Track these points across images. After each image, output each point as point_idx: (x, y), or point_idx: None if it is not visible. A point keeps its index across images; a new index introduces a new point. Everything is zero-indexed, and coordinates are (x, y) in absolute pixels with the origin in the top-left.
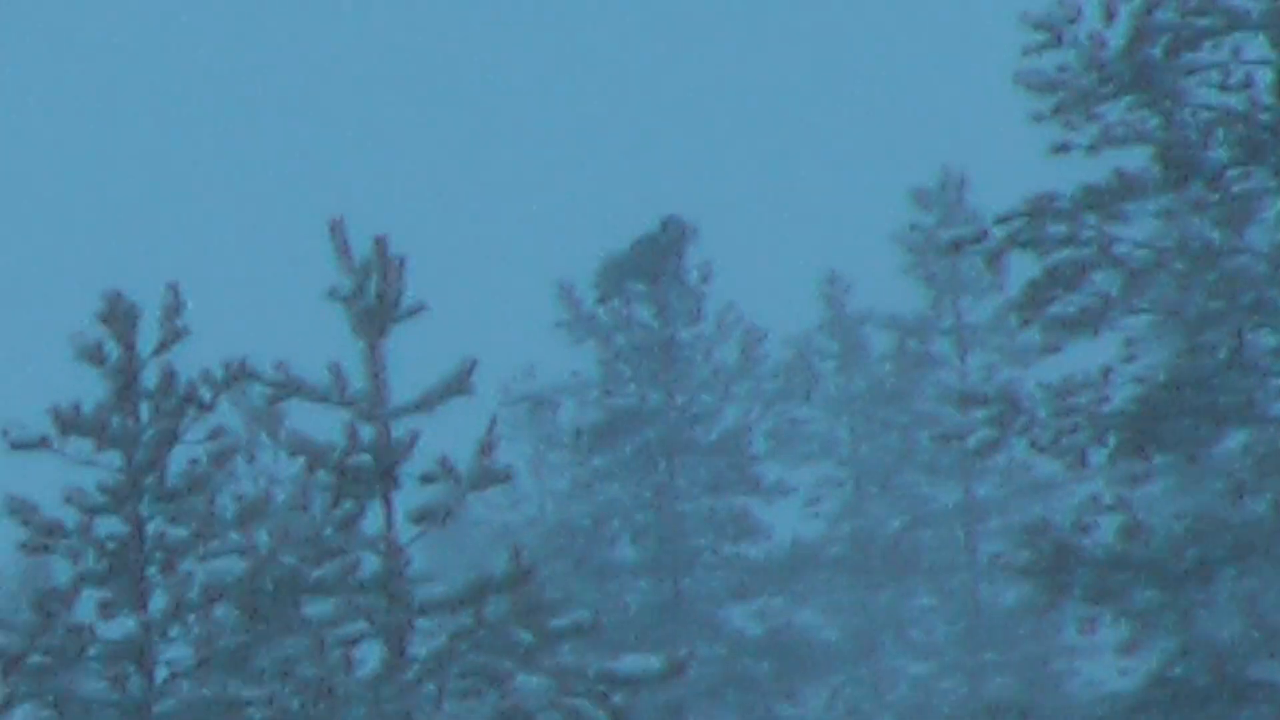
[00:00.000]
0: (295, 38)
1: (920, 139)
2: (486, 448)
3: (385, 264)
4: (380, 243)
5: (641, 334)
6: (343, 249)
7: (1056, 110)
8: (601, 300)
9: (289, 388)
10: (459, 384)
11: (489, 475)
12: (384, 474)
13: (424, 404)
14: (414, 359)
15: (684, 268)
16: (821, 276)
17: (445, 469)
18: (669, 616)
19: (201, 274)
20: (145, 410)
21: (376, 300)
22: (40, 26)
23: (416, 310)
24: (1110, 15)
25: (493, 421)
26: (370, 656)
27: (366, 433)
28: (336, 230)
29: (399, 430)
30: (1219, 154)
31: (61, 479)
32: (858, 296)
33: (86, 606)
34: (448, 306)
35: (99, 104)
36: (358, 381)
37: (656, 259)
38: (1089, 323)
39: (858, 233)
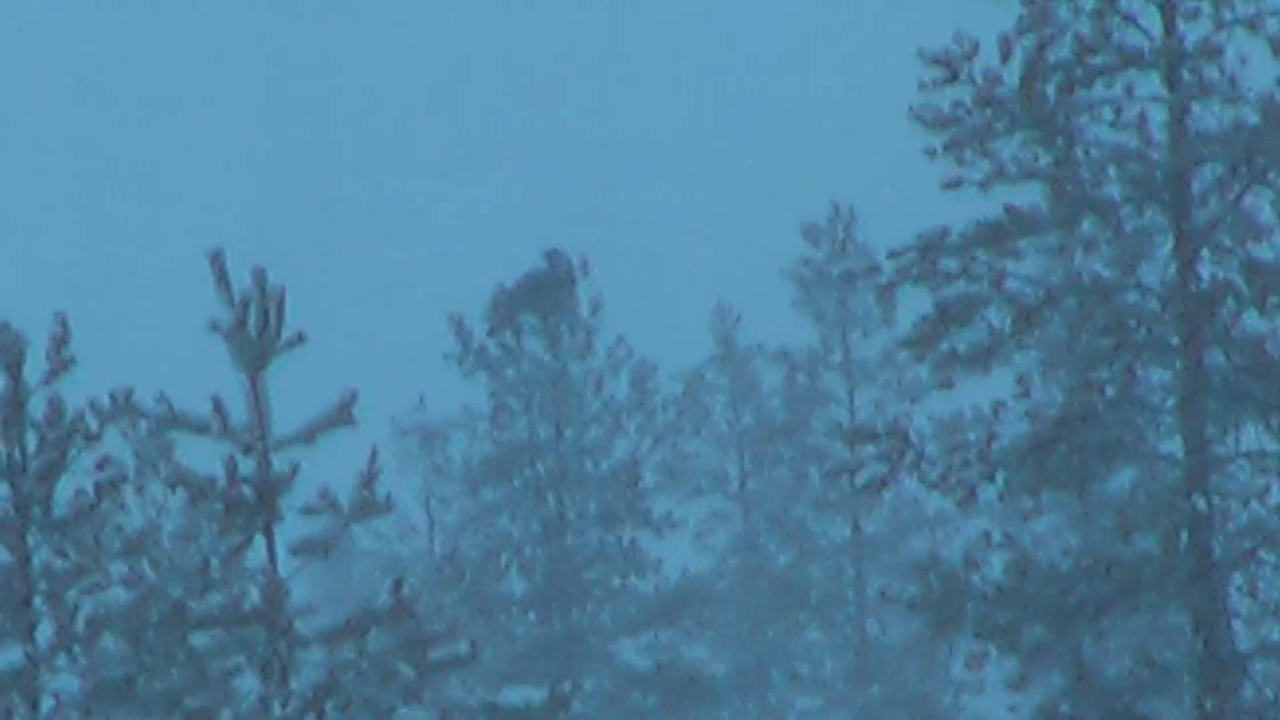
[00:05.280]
0: (179, 67)
1: (811, 173)
2: (368, 479)
3: (265, 296)
4: (259, 275)
5: (532, 367)
6: (222, 281)
7: (950, 146)
8: (492, 333)
9: (170, 420)
10: (340, 416)
11: (370, 507)
12: (265, 506)
13: (305, 436)
14: (303, 391)
15: (575, 301)
16: (711, 311)
17: (326, 501)
18: (558, 650)
19: (89, 304)
20: (32, 440)
21: (256, 333)
22: None
23: (296, 343)
24: (1006, 52)
25: (374, 453)
26: (254, 688)
27: (248, 465)
28: (215, 263)
29: (281, 463)
30: (1111, 191)
31: None
32: (748, 331)
33: None
34: (337, 339)
35: None
36: (240, 414)
37: (547, 292)
38: (980, 359)
39: (748, 267)
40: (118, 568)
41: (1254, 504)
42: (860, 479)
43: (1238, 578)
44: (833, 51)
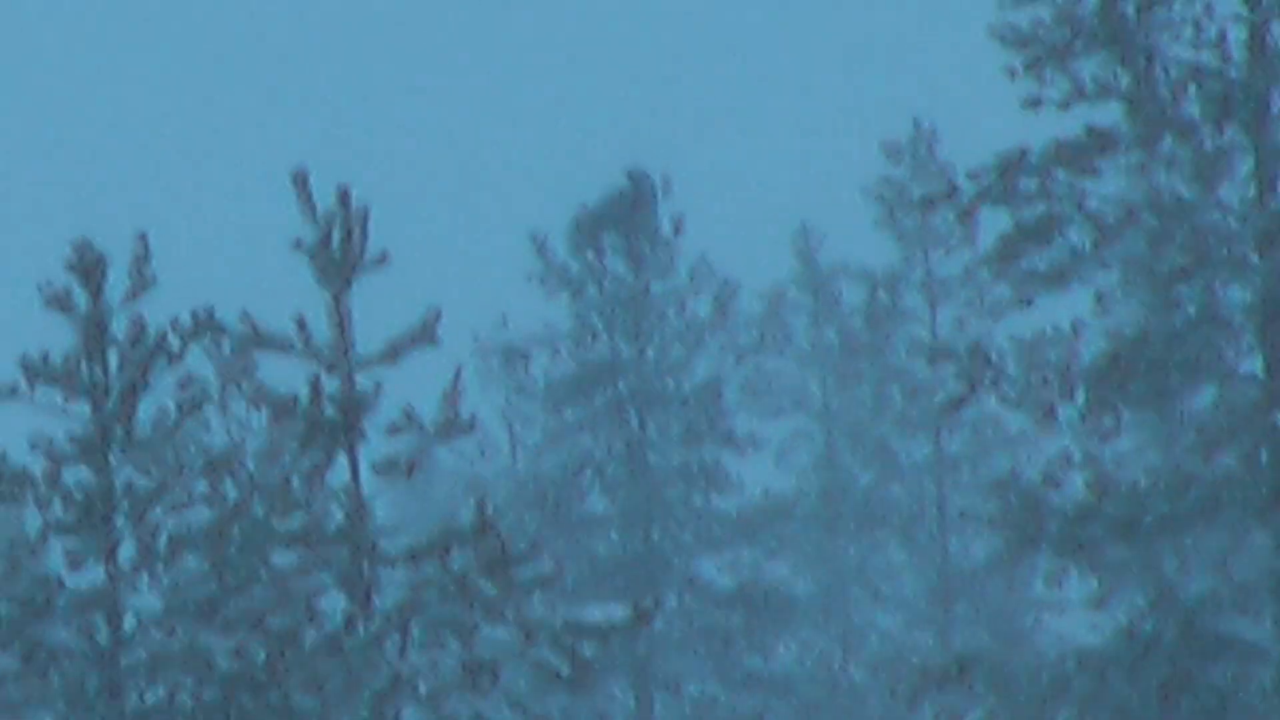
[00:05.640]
0: None
1: (892, 92)
2: (452, 398)
3: (349, 215)
4: (344, 193)
5: (614, 286)
6: (306, 200)
7: (1030, 65)
8: (575, 252)
9: (254, 339)
10: (424, 334)
11: (454, 426)
12: (348, 425)
13: (389, 355)
14: (386, 310)
15: (657, 220)
16: (794, 230)
17: (410, 420)
18: (640, 568)
19: (170, 223)
20: (114, 359)
21: (340, 251)
22: None
23: (380, 261)
24: None
25: (457, 372)
26: (337, 608)
27: (331, 384)
28: (300, 182)
29: (365, 381)
30: (1191, 110)
31: (30, 427)
32: (830, 250)
33: (55, 556)
34: (420, 258)
35: (66, 54)
36: (324, 332)
37: (629, 212)
38: (1060, 277)
39: (830, 186)
40: (200, 486)
41: None
42: (939, 398)
43: None
44: None
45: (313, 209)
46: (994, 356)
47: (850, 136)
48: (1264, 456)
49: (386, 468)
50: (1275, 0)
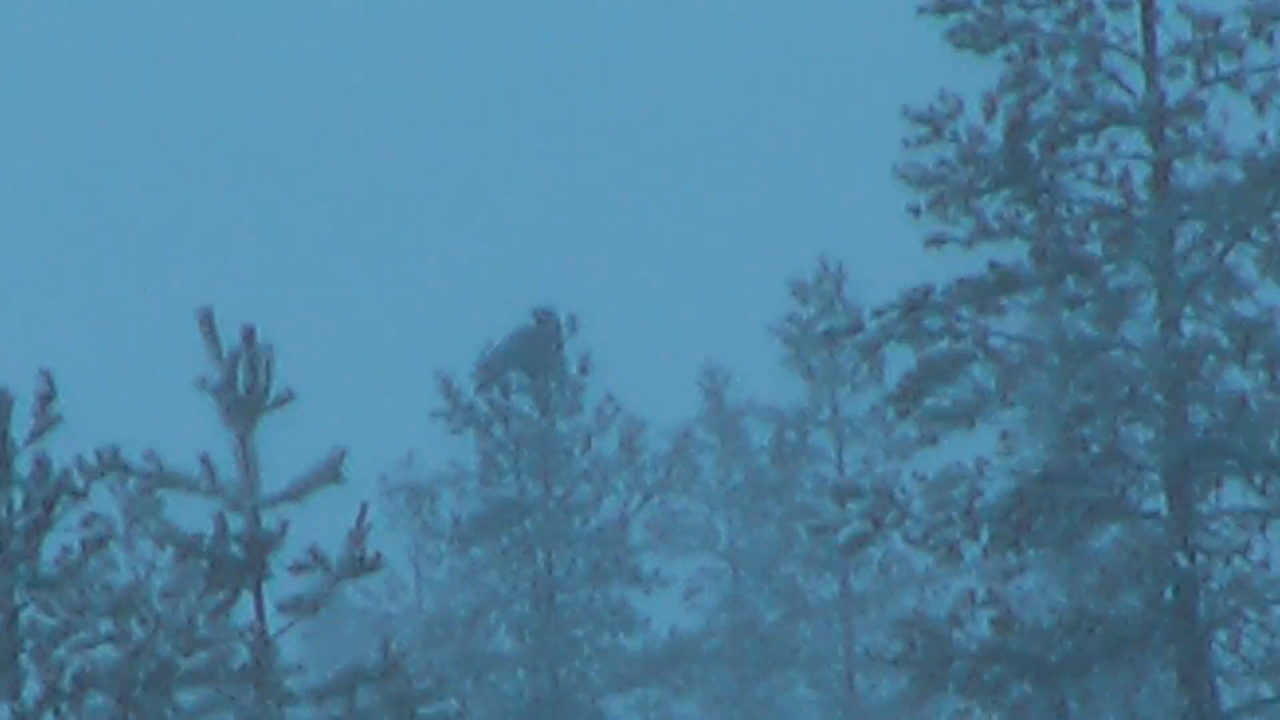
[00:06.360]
0: (164, 122)
1: (798, 231)
2: (357, 537)
3: (253, 354)
4: (248, 333)
5: (520, 425)
6: (211, 339)
7: (934, 203)
8: (480, 390)
9: (159, 478)
10: (329, 473)
11: (359, 564)
12: (253, 564)
13: (294, 493)
14: (292, 448)
15: (563, 359)
16: (700, 368)
17: (316, 558)
18: (547, 708)
19: (75, 361)
20: (18, 498)
21: (245, 391)
22: None
23: (285, 400)
24: (990, 110)
25: (362, 510)
26: None
27: (237, 522)
28: (204, 321)
29: (270, 520)
30: (1094, 248)
31: None
32: (737, 388)
33: None
34: (325, 396)
35: None
36: (229, 471)
37: (535, 350)
38: (964, 416)
39: (737, 325)
40: (105, 625)
41: (1237, 561)
42: (842, 537)
43: (1222, 635)
44: (819, 108)
45: (217, 348)
46: (899, 495)
47: (756, 275)
48: (1168, 596)
49: (292, 606)
50: (1178, 140)
